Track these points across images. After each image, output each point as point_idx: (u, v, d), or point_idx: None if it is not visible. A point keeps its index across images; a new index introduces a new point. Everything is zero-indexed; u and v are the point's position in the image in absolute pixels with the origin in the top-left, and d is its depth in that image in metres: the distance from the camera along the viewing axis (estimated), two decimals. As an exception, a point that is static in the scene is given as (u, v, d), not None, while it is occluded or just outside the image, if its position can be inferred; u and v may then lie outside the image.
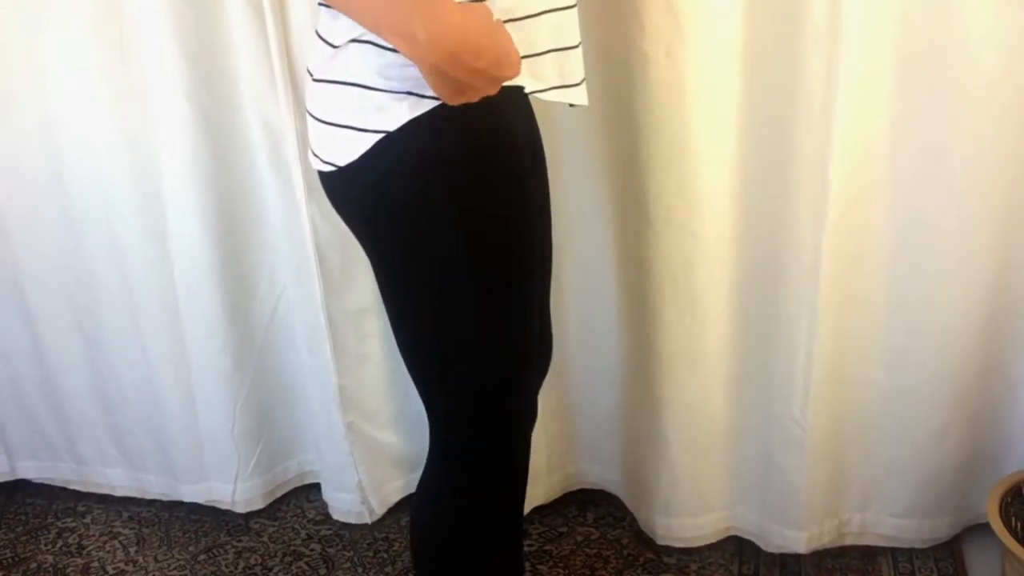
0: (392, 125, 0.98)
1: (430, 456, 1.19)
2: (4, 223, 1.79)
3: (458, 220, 1.01)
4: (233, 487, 1.88)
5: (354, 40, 0.99)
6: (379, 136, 0.99)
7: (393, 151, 0.99)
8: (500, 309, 1.07)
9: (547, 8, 1.03)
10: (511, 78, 0.94)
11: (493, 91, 0.94)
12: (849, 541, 1.68)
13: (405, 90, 0.97)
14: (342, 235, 1.60)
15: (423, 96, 0.97)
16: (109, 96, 1.62)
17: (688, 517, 1.67)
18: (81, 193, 1.71)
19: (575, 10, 1.07)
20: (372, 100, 0.99)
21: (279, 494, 1.96)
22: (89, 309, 1.82)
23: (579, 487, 1.86)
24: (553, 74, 1.06)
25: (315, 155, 1.08)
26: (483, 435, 1.14)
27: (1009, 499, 1.52)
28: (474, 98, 0.94)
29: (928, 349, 1.50)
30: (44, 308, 1.85)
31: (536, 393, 1.22)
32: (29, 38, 1.62)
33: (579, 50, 1.09)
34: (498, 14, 0.96)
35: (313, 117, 1.07)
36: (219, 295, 1.72)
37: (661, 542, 1.71)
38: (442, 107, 0.96)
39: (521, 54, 0.97)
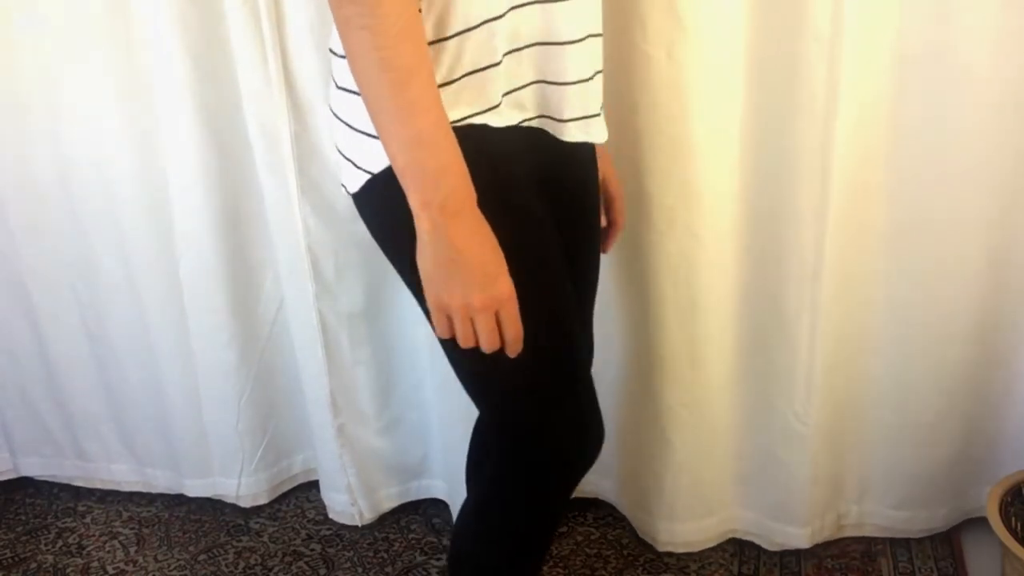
0: (375, 167, 1.01)
1: (489, 469, 1.21)
2: (9, 221, 1.79)
3: None
4: (238, 482, 1.89)
5: (347, 89, 1.03)
6: (367, 175, 1.03)
7: (381, 189, 1.01)
8: (534, 316, 1.03)
9: (534, 41, 1.03)
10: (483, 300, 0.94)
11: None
12: (847, 533, 1.70)
13: None
14: (336, 238, 1.61)
15: None
16: (115, 94, 1.63)
17: (691, 521, 1.68)
18: (86, 191, 1.72)
19: (573, 47, 1.06)
20: (361, 142, 1.02)
21: (284, 489, 1.97)
22: (94, 306, 1.82)
23: (574, 496, 1.85)
24: (534, 105, 1.06)
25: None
26: (544, 443, 1.14)
27: (1009, 499, 1.52)
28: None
29: (927, 344, 1.51)
30: (48, 305, 1.85)
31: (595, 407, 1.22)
32: (36, 38, 1.62)
33: (574, 88, 1.07)
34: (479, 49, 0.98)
35: (335, 145, 1.12)
36: (224, 291, 1.73)
37: (662, 548, 1.72)
38: None
39: (505, 89, 1.01)
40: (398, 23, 0.88)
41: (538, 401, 1.11)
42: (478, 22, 0.97)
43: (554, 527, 1.24)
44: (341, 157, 1.09)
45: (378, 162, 1.00)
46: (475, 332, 0.96)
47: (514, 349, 0.98)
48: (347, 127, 1.05)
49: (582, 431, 1.15)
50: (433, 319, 0.96)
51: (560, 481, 1.18)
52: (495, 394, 1.13)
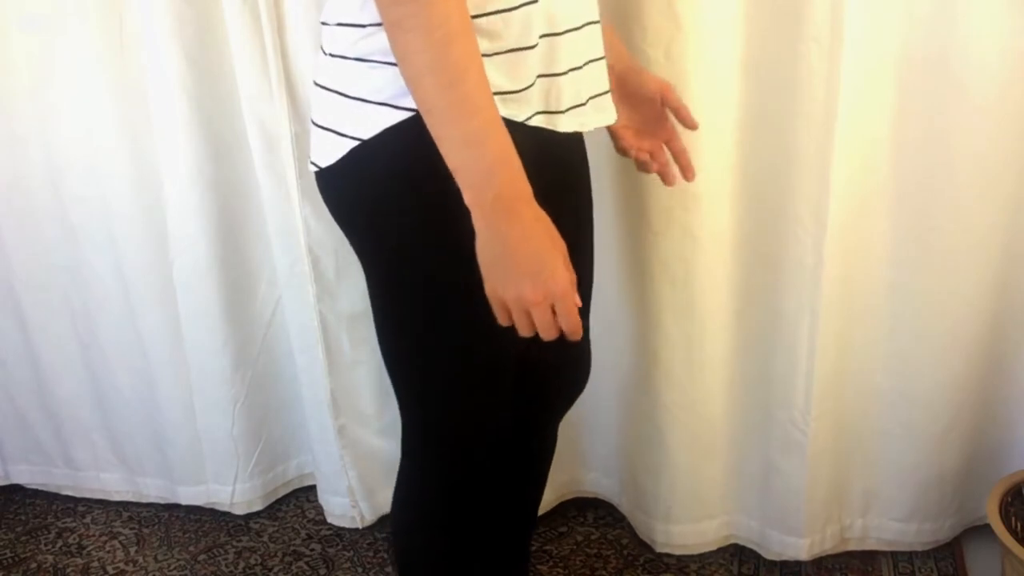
0: (367, 133, 1.00)
1: (402, 463, 1.19)
2: (-1, 225, 1.78)
3: (430, 231, 1.02)
4: (232, 488, 1.88)
5: (341, 56, 1.02)
6: (355, 143, 1.01)
7: (368, 158, 1.01)
8: (480, 325, 1.02)
9: (543, 33, 1.01)
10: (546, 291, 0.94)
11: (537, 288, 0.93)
12: (851, 547, 1.68)
13: (381, 101, 0.99)
14: (336, 238, 1.60)
15: (398, 107, 0.98)
16: (108, 96, 1.62)
17: (688, 523, 1.67)
18: (78, 193, 1.71)
19: (566, 36, 1.05)
20: (351, 108, 1.01)
21: (279, 495, 1.96)
22: (86, 312, 1.81)
23: (575, 495, 1.85)
24: (538, 101, 1.05)
25: (310, 155, 1.11)
26: (457, 451, 1.14)
27: (1009, 499, 1.52)
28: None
29: (930, 353, 1.50)
30: (39, 312, 1.84)
31: (547, 412, 1.21)
32: (26, 36, 1.61)
33: (565, 78, 1.06)
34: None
35: (312, 119, 1.10)
36: (219, 295, 1.72)
37: (660, 549, 1.71)
38: (416, 118, 0.96)
39: (512, 88, 0.99)
40: (448, 23, 0.88)
41: (473, 432, 1.12)
42: (493, 9, 0.96)
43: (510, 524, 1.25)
44: (319, 130, 1.07)
45: (370, 127, 0.99)
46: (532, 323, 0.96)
47: (573, 337, 0.98)
48: (336, 95, 1.03)
49: (506, 473, 1.17)
50: (494, 309, 0.96)
51: (479, 512, 1.18)
52: (430, 404, 1.13)
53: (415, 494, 1.19)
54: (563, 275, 0.95)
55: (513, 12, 0.97)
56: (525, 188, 0.93)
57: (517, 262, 0.93)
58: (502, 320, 0.97)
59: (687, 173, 1.28)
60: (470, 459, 1.14)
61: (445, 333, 1.06)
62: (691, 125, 1.25)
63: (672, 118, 1.26)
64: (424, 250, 1.03)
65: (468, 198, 0.92)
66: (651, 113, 1.25)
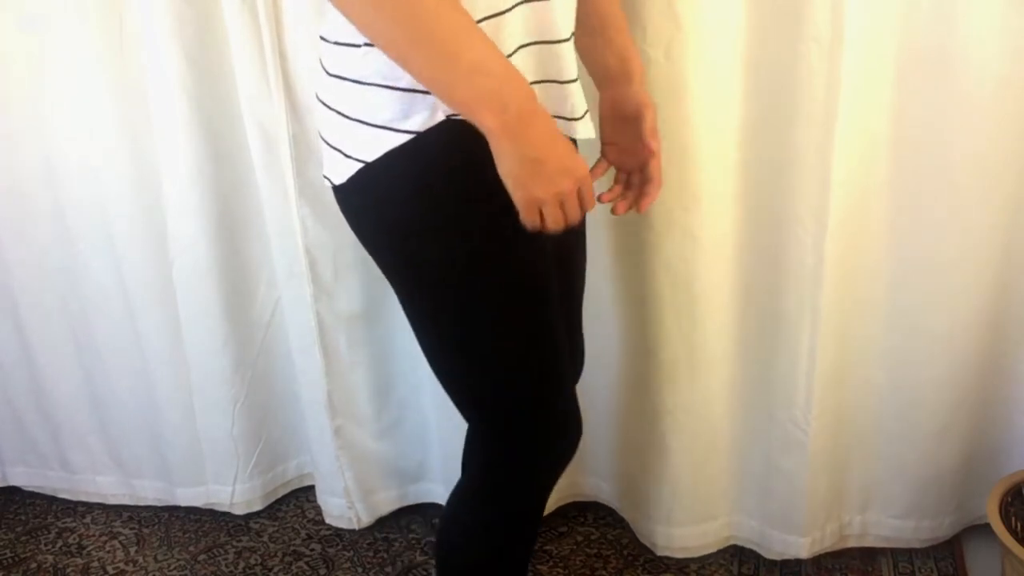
0: (369, 156, 1.02)
1: (465, 467, 1.22)
2: (-4, 227, 1.78)
3: (442, 246, 1.04)
4: (232, 489, 1.88)
5: (340, 76, 1.03)
6: (360, 165, 1.03)
7: (372, 181, 1.03)
8: (514, 322, 1.07)
9: (528, 41, 1.03)
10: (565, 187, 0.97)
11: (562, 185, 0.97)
12: (851, 543, 1.68)
13: (380, 124, 1.00)
14: (334, 240, 1.61)
15: (398, 131, 0.99)
16: (108, 96, 1.62)
17: (689, 526, 1.67)
18: (77, 196, 1.71)
19: (567, 44, 1.06)
20: (352, 129, 1.03)
21: (279, 495, 1.96)
22: (83, 314, 1.81)
23: (574, 500, 1.85)
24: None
25: (323, 168, 1.13)
26: (513, 448, 1.16)
27: (1009, 499, 1.52)
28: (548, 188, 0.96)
29: (929, 350, 1.50)
30: (36, 313, 1.84)
31: (574, 403, 1.23)
32: (24, 35, 1.61)
33: (575, 85, 1.08)
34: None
35: (320, 134, 1.12)
36: (218, 295, 1.72)
37: (661, 552, 1.71)
38: (417, 139, 0.99)
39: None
40: None
41: (521, 405, 1.14)
42: (483, 16, 0.97)
43: (536, 521, 1.25)
44: (327, 147, 1.09)
45: (373, 150, 1.01)
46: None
47: (585, 212, 1.02)
48: (338, 115, 1.05)
49: (560, 433, 1.19)
50: (525, 216, 0.98)
51: (537, 479, 1.20)
52: (481, 401, 1.16)
53: (476, 493, 1.21)
54: (582, 160, 1.00)
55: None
56: (533, 94, 0.94)
57: (553, 159, 0.96)
58: (533, 222, 0.98)
59: (641, 201, 1.25)
60: (523, 453, 1.16)
61: (483, 338, 1.08)
62: (647, 149, 1.22)
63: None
64: (444, 267, 1.05)
65: (491, 124, 0.93)
66: (633, 131, 1.23)
